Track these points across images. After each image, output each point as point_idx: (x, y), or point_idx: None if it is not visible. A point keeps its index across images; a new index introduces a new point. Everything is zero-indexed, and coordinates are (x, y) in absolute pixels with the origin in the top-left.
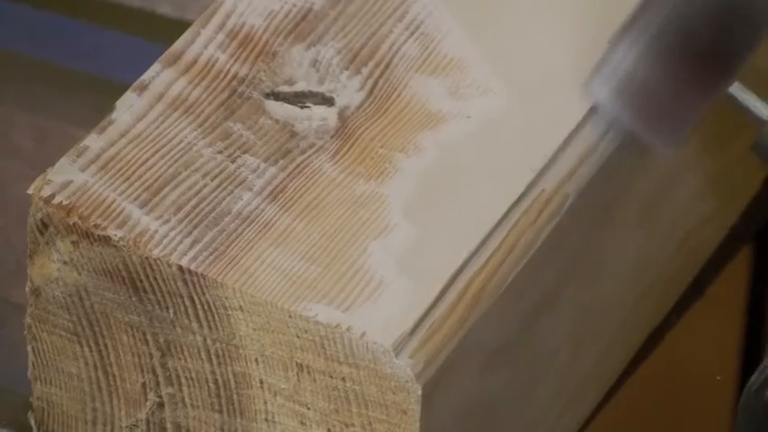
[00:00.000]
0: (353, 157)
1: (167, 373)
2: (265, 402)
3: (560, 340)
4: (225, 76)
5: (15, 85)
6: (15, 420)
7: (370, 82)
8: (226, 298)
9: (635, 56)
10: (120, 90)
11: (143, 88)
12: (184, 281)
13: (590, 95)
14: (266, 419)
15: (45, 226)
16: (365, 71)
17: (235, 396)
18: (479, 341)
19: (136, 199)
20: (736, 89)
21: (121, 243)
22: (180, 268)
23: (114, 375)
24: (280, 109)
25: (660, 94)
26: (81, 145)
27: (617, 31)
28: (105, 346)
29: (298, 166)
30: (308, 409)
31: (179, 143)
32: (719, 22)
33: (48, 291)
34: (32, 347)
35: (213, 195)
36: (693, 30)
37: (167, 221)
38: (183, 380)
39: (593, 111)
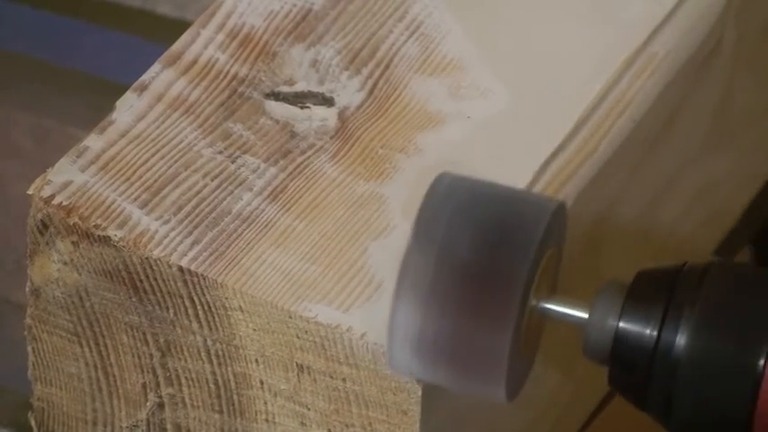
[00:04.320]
0: (353, 157)
1: (167, 374)
2: (266, 403)
3: (560, 340)
4: (225, 76)
5: (15, 85)
6: (15, 420)
7: (370, 82)
8: (226, 298)
9: (418, 312)
10: (120, 90)
11: (143, 88)
12: (184, 281)
13: (395, 370)
14: (266, 420)
15: (45, 226)
16: (365, 71)
17: (235, 396)
18: None
19: (136, 199)
20: (544, 306)
21: (121, 243)
22: (180, 269)
23: (114, 376)
24: (280, 109)
25: (460, 343)
26: (81, 145)
27: (393, 293)
28: (105, 346)
29: (298, 166)
30: (309, 409)
31: (179, 143)
32: (487, 255)
33: (48, 291)
34: (32, 348)
35: (213, 196)
36: (465, 267)
37: (167, 222)
38: (183, 380)
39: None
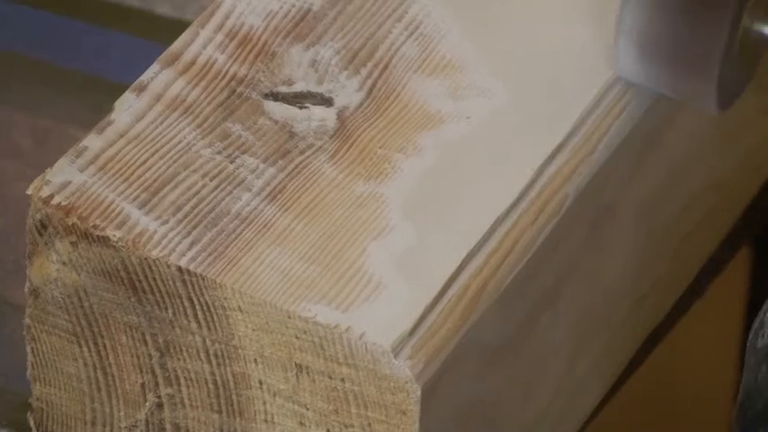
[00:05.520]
0: (352, 157)
1: (166, 374)
2: (264, 403)
3: (560, 340)
4: (224, 76)
5: (15, 85)
6: (15, 421)
7: (369, 82)
8: (225, 298)
9: (644, 12)
10: (120, 90)
11: (142, 89)
12: (183, 281)
13: (621, 72)
14: (265, 420)
15: (44, 226)
16: (364, 71)
17: (234, 396)
18: (479, 341)
19: (135, 199)
20: (758, 29)
21: (120, 244)
22: (179, 269)
23: (113, 376)
24: (279, 109)
25: (679, 40)
26: (80, 145)
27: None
28: (104, 346)
29: (297, 166)
30: (308, 409)
31: (178, 143)
32: None
33: (47, 291)
34: (31, 348)
35: (212, 196)
36: None
37: (166, 222)
38: (182, 380)
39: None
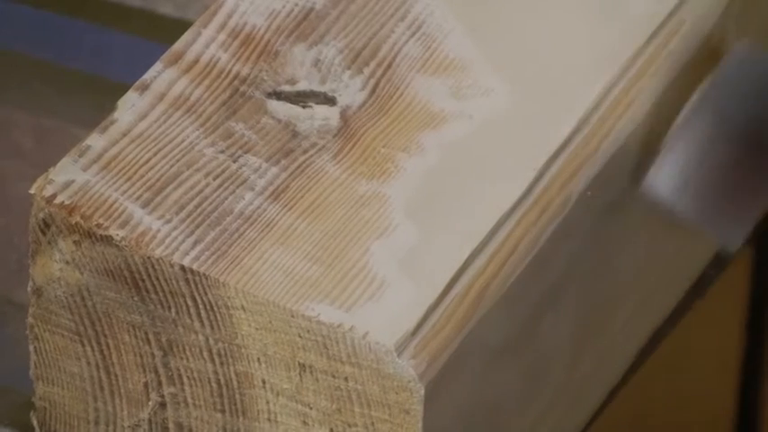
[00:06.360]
0: (355, 156)
1: (169, 373)
2: (268, 402)
3: (563, 340)
4: (226, 75)
5: (15, 85)
6: (17, 420)
7: (372, 82)
8: (228, 297)
9: (698, 147)
10: (122, 90)
11: (144, 88)
12: (186, 280)
13: (654, 190)
14: (269, 419)
15: (47, 226)
16: (367, 71)
17: (237, 396)
18: (482, 341)
19: (138, 198)
20: None
21: (123, 243)
22: (182, 268)
23: (116, 375)
24: (282, 108)
25: (725, 186)
26: (83, 144)
27: (676, 123)
28: (107, 345)
29: (300, 165)
30: (311, 408)
31: (181, 143)
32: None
33: (50, 290)
34: (34, 347)
35: (215, 195)
36: (757, 117)
37: (169, 221)
38: (185, 379)
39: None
